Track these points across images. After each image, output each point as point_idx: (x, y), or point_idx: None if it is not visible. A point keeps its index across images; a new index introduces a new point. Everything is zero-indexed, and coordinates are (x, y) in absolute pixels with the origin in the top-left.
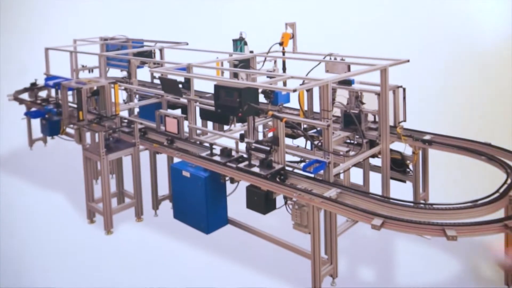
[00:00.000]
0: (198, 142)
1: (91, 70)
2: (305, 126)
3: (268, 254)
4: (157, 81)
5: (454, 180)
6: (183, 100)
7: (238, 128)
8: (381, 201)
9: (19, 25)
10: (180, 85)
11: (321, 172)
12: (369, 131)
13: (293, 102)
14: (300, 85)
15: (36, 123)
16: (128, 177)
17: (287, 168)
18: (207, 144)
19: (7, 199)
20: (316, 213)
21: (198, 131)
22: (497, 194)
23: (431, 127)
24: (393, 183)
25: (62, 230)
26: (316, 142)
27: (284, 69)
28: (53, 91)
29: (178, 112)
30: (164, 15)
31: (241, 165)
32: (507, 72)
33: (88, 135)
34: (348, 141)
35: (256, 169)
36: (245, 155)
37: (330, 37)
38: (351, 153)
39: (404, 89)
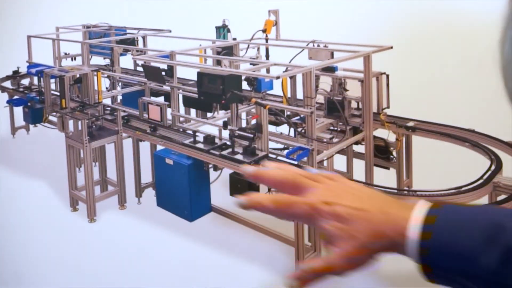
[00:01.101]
0: (181, 130)
1: (73, 58)
2: (288, 113)
3: (252, 241)
4: (140, 69)
5: (438, 166)
6: (166, 88)
7: (221, 115)
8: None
9: (1, 12)
10: (163, 73)
11: (305, 159)
12: (352, 118)
13: (277, 89)
14: (283, 72)
15: (18, 111)
16: (111, 165)
17: (270, 155)
18: (190, 132)
19: None
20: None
21: (181, 119)
22: (481, 181)
23: (414, 113)
24: (376, 170)
25: (45, 218)
26: (299, 129)
27: (267, 56)
28: (35, 79)
29: (161, 99)
30: (147, 2)
31: (225, 152)
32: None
33: (71, 123)
34: (332, 128)
35: (239, 156)
36: (228, 143)
37: (313, 24)
38: (335, 140)
39: (387, 76)
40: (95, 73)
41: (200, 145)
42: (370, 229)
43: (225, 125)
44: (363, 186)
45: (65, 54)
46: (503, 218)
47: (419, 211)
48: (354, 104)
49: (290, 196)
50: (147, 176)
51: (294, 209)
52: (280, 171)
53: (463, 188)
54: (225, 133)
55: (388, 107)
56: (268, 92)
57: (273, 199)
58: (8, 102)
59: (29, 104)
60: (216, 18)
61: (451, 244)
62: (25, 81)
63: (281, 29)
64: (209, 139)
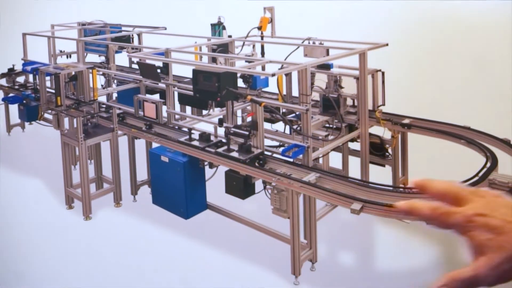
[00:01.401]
0: (176, 127)
1: (69, 55)
2: (284, 110)
3: (248, 239)
4: (135, 66)
5: (434, 163)
6: (162, 85)
7: (216, 112)
8: (360, 185)
9: None
10: (159, 70)
11: (300, 156)
12: (348, 115)
13: (272, 87)
14: (279, 69)
15: (14, 108)
16: (106, 163)
17: (266, 152)
18: (185, 129)
19: None
20: (295, 198)
21: (177, 116)
22: (476, 178)
23: (410, 111)
24: (372, 167)
25: (41, 215)
26: (295, 127)
27: (262, 54)
28: (31, 77)
29: (156, 97)
30: (142, 0)
31: (220, 150)
32: (488, 55)
33: (66, 120)
34: (327, 125)
35: (235, 154)
36: (224, 140)
37: (308, 21)
38: (330, 137)
39: (383, 73)
40: (91, 70)
41: (196, 143)
42: None
43: (221, 122)
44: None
45: (60, 51)
46: None
47: None
48: (349, 102)
49: (447, 206)
50: (142, 173)
51: (450, 219)
52: (444, 183)
53: None
54: (221, 131)
55: (383, 104)
56: (264, 89)
57: (431, 206)
58: (3, 99)
59: (24, 101)
60: (211, 16)
61: None
62: (21, 79)
63: (276, 27)
64: (204, 136)
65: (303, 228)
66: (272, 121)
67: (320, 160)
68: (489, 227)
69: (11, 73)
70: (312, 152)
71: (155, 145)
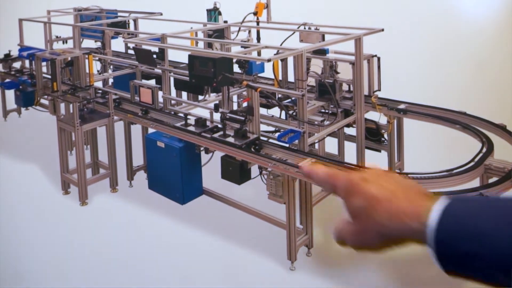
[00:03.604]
0: (172, 113)
1: (65, 41)
2: (279, 95)
3: (243, 224)
4: (131, 52)
5: (429, 149)
6: (157, 71)
7: (212, 98)
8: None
9: None
10: (154, 56)
11: (296, 141)
12: (343, 100)
13: (268, 72)
14: (275, 54)
15: (10, 94)
16: (102, 148)
17: (262, 138)
18: (181, 115)
19: None
20: (291, 183)
21: (173, 102)
22: (472, 163)
23: (406, 96)
24: (368, 153)
25: (37, 201)
26: (291, 112)
27: (258, 39)
28: (27, 62)
29: (152, 82)
30: None
31: (216, 135)
32: (484, 40)
33: (62, 106)
34: (323, 110)
35: (230, 139)
36: (219, 125)
37: (304, 7)
38: (326, 122)
39: (378, 58)
40: (87, 56)
41: (192, 128)
42: (388, 211)
43: (217, 108)
44: (404, 177)
45: (57, 37)
46: None
47: (441, 201)
48: (345, 87)
49: (337, 170)
50: (138, 159)
51: (337, 181)
52: (328, 169)
53: (455, 171)
54: (217, 116)
55: (379, 89)
56: (259, 75)
57: (326, 170)
58: None
59: (20, 87)
60: (207, 1)
61: (468, 228)
62: (17, 64)
63: (272, 12)
64: (200, 122)
65: (299, 214)
66: (268, 106)
67: (316, 146)
68: (367, 194)
69: (7, 59)
70: (308, 138)
71: (151, 130)
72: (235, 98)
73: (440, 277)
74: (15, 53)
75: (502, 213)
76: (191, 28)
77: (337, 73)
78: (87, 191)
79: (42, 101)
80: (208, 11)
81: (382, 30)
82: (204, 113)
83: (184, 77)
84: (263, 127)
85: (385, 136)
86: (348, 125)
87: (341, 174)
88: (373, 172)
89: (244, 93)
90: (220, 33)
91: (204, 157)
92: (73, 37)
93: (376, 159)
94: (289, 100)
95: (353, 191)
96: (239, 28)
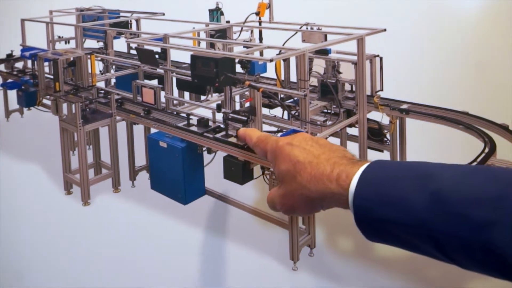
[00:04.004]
0: (175, 113)
1: (67, 41)
2: (282, 96)
3: (246, 224)
4: (133, 52)
5: (432, 149)
6: (160, 71)
7: (215, 98)
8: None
9: None
10: (157, 56)
11: None
12: (346, 100)
13: (270, 72)
14: (277, 55)
15: (12, 94)
16: (105, 148)
17: None
18: (184, 115)
19: None
20: None
21: (175, 102)
22: (475, 163)
23: (408, 96)
24: (370, 153)
25: (39, 201)
26: (293, 112)
27: (260, 39)
28: (29, 62)
29: (154, 82)
30: None
31: (218, 135)
32: (486, 40)
33: (64, 106)
34: (325, 110)
35: (233, 139)
36: (222, 125)
37: (306, 7)
38: (328, 122)
39: (381, 58)
40: (89, 56)
41: (194, 128)
42: (311, 174)
43: (219, 108)
44: (329, 142)
45: (59, 37)
46: (433, 169)
47: (362, 167)
48: (347, 87)
49: (269, 135)
50: (141, 159)
51: (266, 145)
52: (261, 133)
53: None
54: (219, 116)
55: (381, 89)
56: (262, 75)
57: (258, 134)
58: (1, 85)
59: (23, 87)
60: (209, 1)
61: (384, 193)
62: (19, 65)
63: (274, 12)
64: (202, 122)
65: None
66: (270, 106)
67: None
68: (291, 158)
69: (9, 59)
70: None
71: (153, 130)
72: (237, 98)
73: (445, 277)
74: (17, 53)
75: (417, 176)
76: (193, 28)
77: (340, 73)
78: (90, 191)
79: (45, 101)
80: (210, 11)
81: (385, 30)
82: (206, 113)
83: (186, 77)
84: (266, 127)
85: (388, 136)
86: (350, 125)
87: (270, 139)
88: (299, 136)
89: (247, 93)
90: (222, 33)
91: (206, 157)
92: (75, 37)
93: (379, 159)
94: (292, 100)
95: (279, 155)
96: (241, 28)
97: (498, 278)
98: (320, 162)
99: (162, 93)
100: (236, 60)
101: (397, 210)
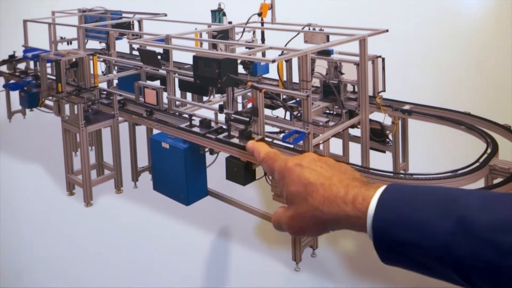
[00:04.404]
0: (177, 114)
1: (69, 42)
2: (284, 96)
3: (248, 225)
4: (136, 53)
5: (434, 150)
6: (162, 72)
7: (217, 99)
8: (361, 171)
9: None
10: (159, 57)
11: (301, 142)
12: (348, 101)
13: (272, 73)
14: (279, 55)
15: (15, 95)
16: (107, 149)
17: (266, 138)
18: (186, 116)
19: None
20: None
21: (177, 102)
22: (477, 164)
23: (410, 97)
24: (372, 153)
25: (42, 202)
26: (295, 113)
27: (263, 40)
28: (31, 63)
29: (157, 83)
30: None
31: (221, 136)
32: (488, 41)
33: (67, 107)
34: (328, 111)
35: (235, 140)
36: (224, 126)
37: (308, 7)
38: (331, 123)
39: (383, 59)
40: (91, 57)
41: (196, 129)
42: (324, 196)
43: (221, 108)
44: (341, 163)
45: (61, 38)
46: (456, 194)
47: (379, 190)
48: (350, 88)
49: (278, 153)
50: (143, 160)
51: (274, 163)
52: (268, 148)
53: (459, 172)
54: (221, 117)
55: (384, 90)
56: (264, 75)
57: (266, 150)
58: (4, 86)
59: (25, 88)
60: (212, 2)
61: (405, 216)
62: (21, 66)
63: (276, 13)
64: (205, 123)
65: None
66: (273, 107)
67: (321, 146)
68: (302, 180)
69: (12, 60)
70: (313, 138)
71: (155, 131)
72: (239, 99)
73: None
74: (19, 54)
75: (439, 201)
76: (196, 29)
77: (342, 74)
78: (92, 192)
79: (47, 102)
80: (213, 12)
81: (387, 31)
82: (208, 114)
83: (188, 78)
84: (268, 128)
85: (390, 137)
86: (352, 126)
87: (279, 158)
88: (308, 157)
89: (249, 94)
90: (225, 34)
91: (208, 158)
92: (78, 38)
93: (381, 160)
94: (294, 101)
95: (288, 176)
96: (244, 29)
97: None
98: (332, 184)
99: (165, 94)
100: (238, 61)
101: (420, 233)
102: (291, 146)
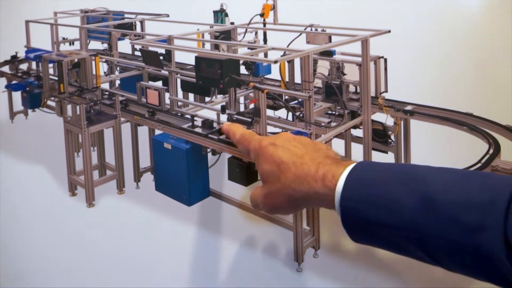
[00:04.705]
0: (179, 114)
1: (72, 42)
2: (286, 97)
3: (250, 226)
4: (138, 53)
5: (436, 150)
6: (164, 72)
7: (219, 99)
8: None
9: None
10: (161, 57)
11: None
12: (350, 102)
13: (275, 74)
14: (281, 56)
15: (17, 96)
16: (109, 150)
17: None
18: (188, 116)
19: None
20: None
21: (179, 103)
22: (479, 165)
23: (412, 97)
24: (375, 154)
25: (43, 202)
26: (297, 113)
27: (265, 41)
28: (34, 64)
29: (159, 84)
30: None
31: (223, 136)
32: (490, 41)
33: (69, 107)
34: (330, 112)
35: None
36: None
37: (311, 8)
38: (333, 124)
39: (385, 60)
40: (93, 57)
41: (199, 130)
42: (296, 174)
43: (223, 109)
44: (316, 142)
45: (63, 39)
46: (423, 172)
47: (348, 168)
48: (352, 88)
49: (253, 133)
50: (145, 160)
51: (249, 144)
52: (244, 130)
53: None
54: (223, 118)
55: (386, 91)
56: (266, 76)
57: (242, 132)
58: (6, 87)
59: (27, 89)
60: (214, 3)
61: (372, 194)
62: (24, 66)
63: (279, 13)
64: (207, 123)
65: (305, 215)
66: (275, 108)
67: None
68: (275, 159)
69: (14, 61)
70: (315, 139)
71: (158, 132)
72: (242, 99)
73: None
74: (21, 54)
75: (405, 179)
76: (198, 29)
77: (344, 74)
78: (94, 193)
79: (49, 102)
80: (215, 12)
81: (389, 31)
82: (211, 114)
83: (191, 78)
84: (270, 129)
85: (392, 137)
86: (355, 127)
87: (254, 138)
88: (283, 136)
89: (251, 94)
90: (227, 35)
91: (211, 158)
92: (80, 38)
93: (383, 160)
94: (296, 101)
95: (262, 155)
96: (246, 29)
97: (484, 281)
98: (304, 162)
99: (167, 95)
100: (241, 62)
101: (386, 211)
102: None
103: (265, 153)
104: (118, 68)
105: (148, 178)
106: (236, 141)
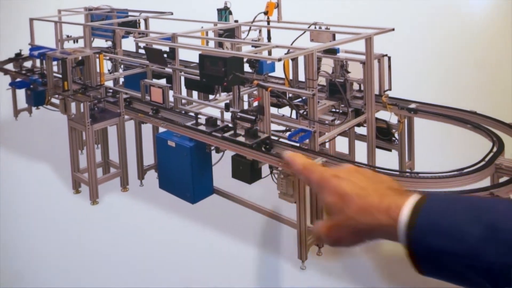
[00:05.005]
0: (183, 112)
1: (76, 40)
2: (290, 95)
3: (254, 223)
4: (142, 51)
5: (440, 148)
6: (168, 70)
7: (223, 97)
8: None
9: None
10: (165, 55)
11: (307, 141)
12: (354, 100)
13: (278, 71)
14: (285, 54)
15: (21, 93)
16: (113, 147)
17: (272, 137)
18: (192, 114)
19: None
20: (302, 182)
21: (183, 101)
22: (483, 163)
23: (416, 95)
24: (378, 152)
25: (48, 200)
26: (301, 111)
27: (269, 38)
28: (38, 62)
29: (163, 81)
30: None
31: (227, 134)
32: (494, 39)
33: (73, 105)
34: (334, 110)
35: (241, 139)
36: (230, 125)
37: (314, 6)
38: (337, 122)
39: (389, 58)
40: (97, 55)
41: (202, 127)
42: (359, 206)
43: (227, 107)
44: (375, 173)
45: (67, 36)
46: (485, 202)
47: (412, 199)
48: (356, 86)
49: (315, 164)
50: (149, 158)
51: (312, 175)
52: (307, 160)
53: (465, 170)
54: (227, 115)
55: (390, 89)
56: (270, 74)
57: (304, 161)
58: (10, 84)
59: (31, 86)
60: (218, 1)
61: (438, 224)
62: (28, 64)
63: (282, 11)
64: (211, 121)
65: (309, 213)
66: (279, 105)
67: (327, 145)
68: (338, 191)
69: (18, 58)
70: (319, 137)
71: (161, 129)
72: (245, 97)
73: None
74: (26, 52)
75: (470, 209)
76: (202, 27)
77: (348, 72)
78: (98, 190)
79: (53, 100)
80: (219, 10)
81: (393, 29)
82: (214, 112)
83: (194, 76)
84: (274, 127)
85: (396, 135)
86: (358, 125)
87: (316, 169)
88: (346, 168)
89: (255, 92)
90: (231, 33)
91: (214, 156)
92: (84, 36)
93: (387, 159)
94: (300, 99)
95: (325, 187)
96: (250, 27)
97: None
98: (368, 194)
99: (171, 92)
100: (245, 60)
101: (451, 240)
102: (297, 144)
103: (328, 185)
104: (122, 66)
105: (152, 176)
106: (297, 170)
